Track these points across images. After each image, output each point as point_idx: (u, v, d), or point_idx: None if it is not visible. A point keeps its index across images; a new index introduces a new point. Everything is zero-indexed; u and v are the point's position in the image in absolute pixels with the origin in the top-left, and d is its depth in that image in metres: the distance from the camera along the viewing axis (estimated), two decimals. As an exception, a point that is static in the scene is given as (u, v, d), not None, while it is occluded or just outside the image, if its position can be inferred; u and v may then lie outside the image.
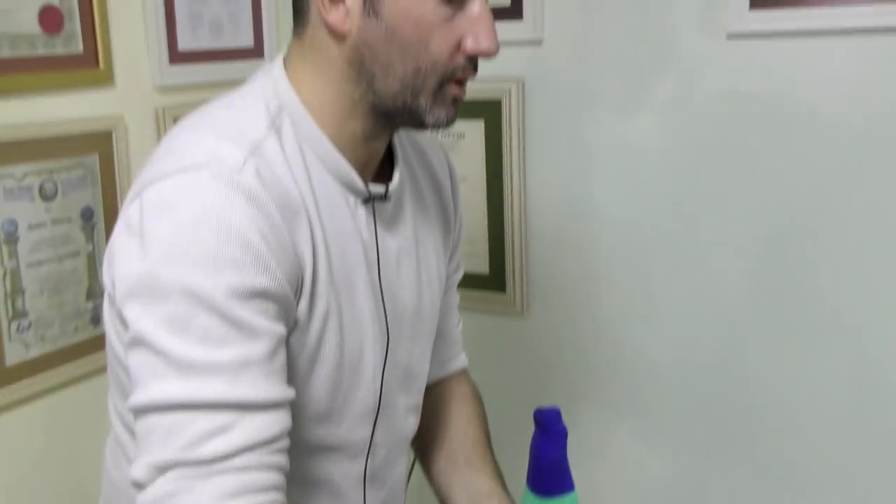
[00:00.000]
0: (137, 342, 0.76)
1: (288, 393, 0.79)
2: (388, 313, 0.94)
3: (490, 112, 1.59)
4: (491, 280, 1.68)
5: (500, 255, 1.66)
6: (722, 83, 1.41)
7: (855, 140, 1.34)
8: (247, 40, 1.64)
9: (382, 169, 0.95)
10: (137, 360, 0.77)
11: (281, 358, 0.80)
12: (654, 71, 1.46)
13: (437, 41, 0.83)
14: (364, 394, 0.93)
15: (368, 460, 0.97)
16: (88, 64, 1.38)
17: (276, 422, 0.78)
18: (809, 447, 1.46)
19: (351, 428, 0.93)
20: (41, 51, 1.32)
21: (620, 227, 1.55)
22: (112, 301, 0.84)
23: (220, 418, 0.74)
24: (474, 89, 1.52)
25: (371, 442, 0.96)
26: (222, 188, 0.77)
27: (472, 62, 0.86)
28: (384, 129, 0.92)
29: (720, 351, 1.51)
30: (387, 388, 0.95)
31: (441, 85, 0.86)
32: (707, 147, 1.44)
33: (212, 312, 0.74)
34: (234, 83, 1.59)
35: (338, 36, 0.85)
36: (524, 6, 1.52)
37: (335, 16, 0.84)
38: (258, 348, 0.77)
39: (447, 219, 1.09)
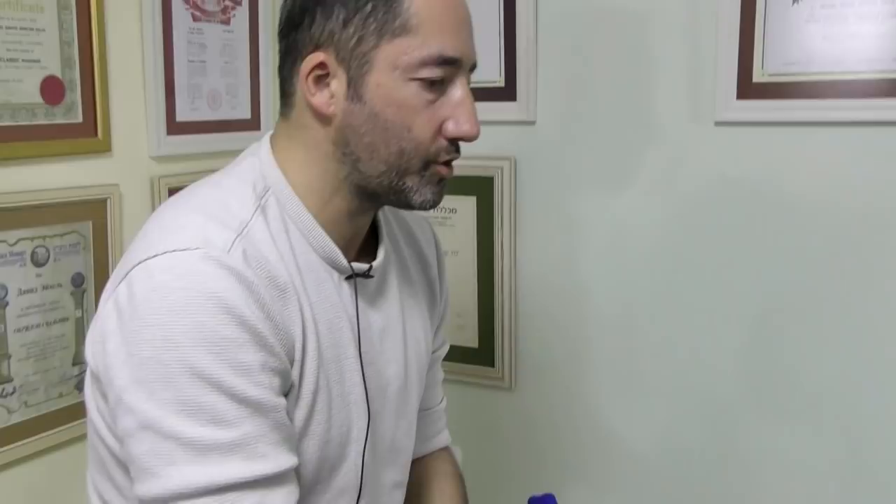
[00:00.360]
0: (144, 428, 0.76)
1: (295, 459, 0.81)
2: (369, 389, 0.94)
3: (482, 189, 1.61)
4: (480, 354, 1.68)
5: (489, 330, 1.66)
6: (709, 168, 1.43)
7: (837, 225, 1.36)
8: (244, 112, 1.67)
9: (367, 244, 0.97)
10: (145, 448, 0.77)
11: (288, 428, 0.82)
12: (644, 154, 1.48)
13: (420, 124, 0.86)
14: (347, 469, 0.93)
15: None
16: (87, 133, 1.40)
17: (291, 492, 0.79)
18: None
19: (332, 502, 0.92)
20: (41, 120, 1.34)
21: (609, 305, 1.56)
22: (96, 380, 0.84)
23: (247, 500, 0.75)
24: (467, 166, 1.58)
25: None
26: (213, 270, 0.78)
27: (455, 144, 0.89)
28: (370, 206, 0.94)
29: (708, 431, 1.50)
30: (370, 464, 0.96)
31: (426, 166, 0.88)
32: (695, 229, 1.46)
33: (219, 392, 0.76)
34: (229, 154, 1.61)
35: (323, 118, 0.87)
36: (518, 87, 1.55)
37: (320, 99, 0.86)
38: (267, 421, 0.78)
39: (433, 294, 1.10)
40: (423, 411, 1.14)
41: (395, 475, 1.02)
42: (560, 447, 1.64)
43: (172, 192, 1.48)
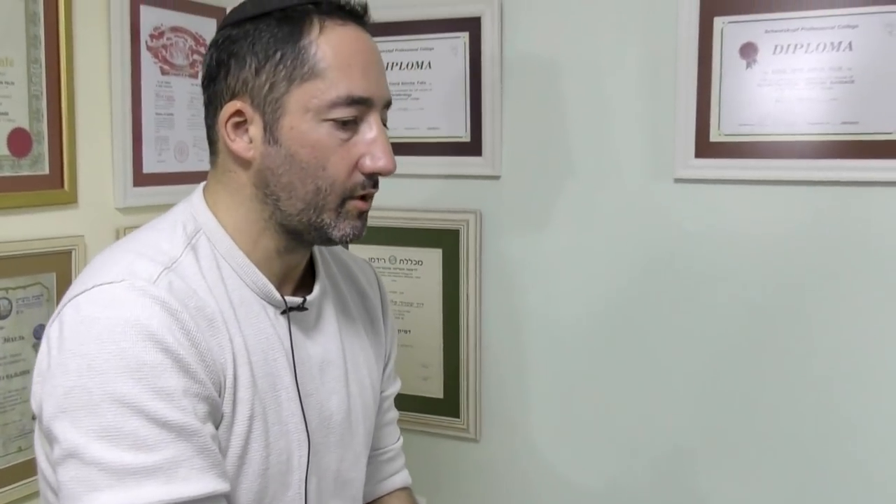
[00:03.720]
0: (68, 456, 0.78)
1: (222, 486, 0.82)
2: (308, 419, 0.97)
3: (448, 241, 1.63)
4: (445, 405, 1.68)
5: (454, 380, 1.67)
6: (669, 223, 1.47)
7: (790, 275, 1.40)
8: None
9: (305, 281, 1.01)
10: (69, 476, 0.78)
11: (214, 454, 0.83)
12: (606, 209, 1.52)
13: (334, 162, 0.90)
14: (291, 498, 0.95)
15: None
16: (53, 185, 1.41)
17: None
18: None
19: None
20: (7, 172, 1.34)
21: (574, 356, 1.58)
22: (39, 421, 0.85)
23: None
24: (434, 219, 1.61)
25: None
26: (137, 298, 0.81)
27: (372, 179, 0.93)
28: (297, 245, 0.97)
29: (669, 481, 1.53)
30: (315, 494, 0.98)
31: (343, 202, 0.92)
32: (656, 282, 1.49)
33: (141, 417, 0.78)
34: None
35: (243, 162, 0.92)
36: (483, 143, 1.58)
37: (240, 144, 0.91)
38: (190, 446, 0.80)
39: (377, 332, 1.13)
40: (379, 451, 1.17)
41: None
42: (526, 498, 1.64)
43: (138, 243, 1.49)
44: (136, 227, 1.49)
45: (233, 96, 0.91)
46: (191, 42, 1.60)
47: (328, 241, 0.94)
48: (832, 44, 1.33)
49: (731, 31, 1.39)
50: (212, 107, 0.94)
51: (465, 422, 1.67)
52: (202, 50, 1.63)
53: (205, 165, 1.67)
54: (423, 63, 1.62)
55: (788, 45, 1.36)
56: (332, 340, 1.02)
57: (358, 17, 0.93)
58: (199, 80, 1.62)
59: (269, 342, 0.93)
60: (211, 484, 0.81)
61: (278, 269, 0.96)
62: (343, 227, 0.93)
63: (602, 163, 1.52)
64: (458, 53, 1.57)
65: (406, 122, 1.64)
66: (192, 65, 1.62)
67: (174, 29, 1.56)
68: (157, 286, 0.83)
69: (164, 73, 1.55)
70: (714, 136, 1.42)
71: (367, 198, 0.94)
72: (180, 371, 0.81)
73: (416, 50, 1.62)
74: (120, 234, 1.50)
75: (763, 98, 1.38)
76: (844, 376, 1.38)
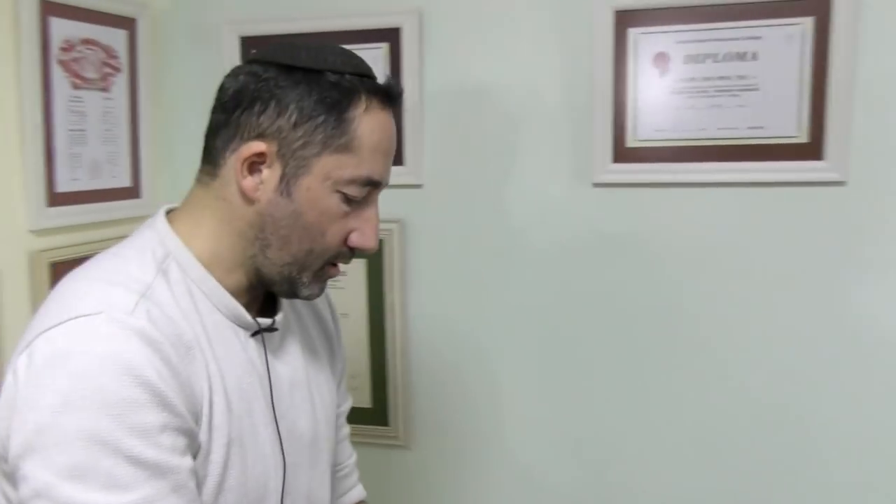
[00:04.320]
0: (36, 496, 0.75)
1: None
2: (283, 440, 0.97)
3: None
4: (374, 413, 1.69)
5: (382, 389, 1.68)
6: (588, 226, 1.53)
7: (705, 273, 1.48)
8: (125, 181, 1.63)
9: (265, 305, 1.01)
10: None
11: (190, 491, 0.81)
12: (527, 214, 1.56)
13: (333, 231, 0.93)
14: None
15: None
16: (-39, 209, 1.34)
17: None
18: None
19: None
20: (-89, 196, 1.26)
21: (499, 360, 1.61)
22: (2, 460, 0.82)
23: None
24: None
25: None
26: (116, 331, 0.79)
27: (353, 252, 0.95)
28: (262, 286, 0.97)
29: (603, 474, 1.58)
30: None
31: (322, 266, 0.95)
32: (576, 284, 1.55)
33: (115, 456, 0.75)
34: (111, 224, 1.57)
35: (247, 200, 0.91)
36: (405, 152, 1.60)
37: (250, 182, 0.90)
38: (165, 484, 0.78)
39: (332, 350, 1.14)
40: (335, 467, 1.17)
41: None
42: (458, 501, 1.67)
43: (55, 267, 1.43)
44: (53, 249, 1.46)
45: (260, 136, 0.90)
46: (102, 55, 1.55)
47: (293, 295, 0.96)
48: (738, 54, 1.42)
49: (644, 41, 1.45)
50: (228, 132, 0.91)
51: (395, 429, 1.68)
52: (114, 63, 1.58)
53: (119, 182, 1.63)
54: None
55: (698, 55, 1.43)
56: (297, 360, 1.03)
57: (395, 103, 0.94)
58: (110, 94, 1.59)
59: (243, 366, 0.92)
60: None
61: (245, 298, 0.96)
62: (313, 288, 0.96)
63: (523, 170, 1.56)
64: (378, 65, 1.58)
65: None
66: (104, 78, 1.56)
67: (85, 41, 1.51)
68: (136, 316, 0.81)
69: (75, 87, 1.49)
70: (630, 143, 1.48)
71: (337, 265, 0.97)
72: (159, 406, 0.79)
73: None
74: (34, 258, 1.43)
75: (676, 105, 1.45)
76: (764, 368, 1.47)
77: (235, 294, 0.94)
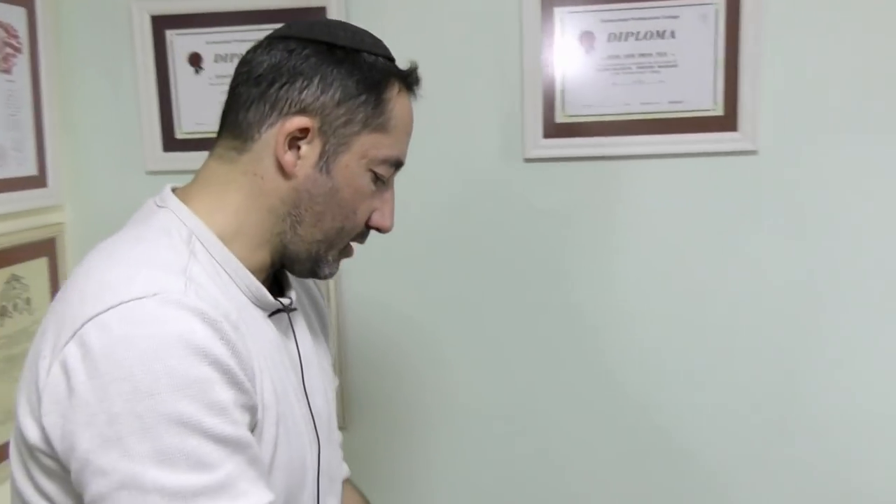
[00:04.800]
0: (121, 488, 0.72)
1: (271, 495, 0.80)
2: (314, 417, 0.97)
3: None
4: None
5: (313, 375, 1.66)
6: (520, 200, 1.57)
7: (629, 240, 1.56)
8: (31, 169, 1.52)
9: (270, 288, 0.99)
10: None
11: (261, 464, 0.81)
12: (460, 190, 1.58)
13: (362, 210, 0.94)
14: (307, 495, 0.94)
15: None
16: None
17: None
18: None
19: None
20: None
21: (434, 337, 1.63)
22: (44, 455, 0.78)
23: None
24: None
25: None
26: (175, 313, 0.76)
27: (368, 231, 0.97)
28: (278, 265, 0.96)
29: (531, 449, 1.63)
30: (322, 490, 0.98)
31: (346, 245, 0.96)
32: (507, 258, 1.59)
33: (198, 436, 0.74)
34: (15, 216, 1.47)
35: (284, 174, 0.90)
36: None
37: (289, 157, 0.89)
38: (245, 458, 0.77)
39: (326, 329, 1.14)
40: None
41: (334, 501, 1.04)
42: (394, 484, 1.68)
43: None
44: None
45: (302, 111, 0.88)
46: (1, 33, 1.44)
47: (314, 274, 0.96)
48: (658, 32, 1.50)
49: (570, 20, 1.50)
50: (265, 106, 0.89)
51: (329, 414, 1.66)
52: (14, 42, 1.47)
53: (25, 170, 1.52)
54: (264, 54, 1.58)
55: (621, 34, 1.50)
56: (307, 339, 1.02)
57: (414, 92, 0.98)
58: (12, 76, 1.47)
59: (272, 345, 0.91)
60: (266, 495, 0.78)
61: (262, 276, 0.94)
62: (332, 267, 0.97)
63: (455, 147, 1.58)
64: (303, 44, 1.56)
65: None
66: (5, 58, 1.45)
67: (-15, 19, 1.40)
68: (189, 296, 0.78)
69: (-23, 68, 1.38)
70: (559, 118, 1.53)
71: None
72: (229, 383, 0.77)
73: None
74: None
75: (601, 81, 1.52)
76: (686, 328, 1.57)
77: (255, 274, 0.91)
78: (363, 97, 0.90)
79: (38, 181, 1.55)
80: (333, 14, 1.54)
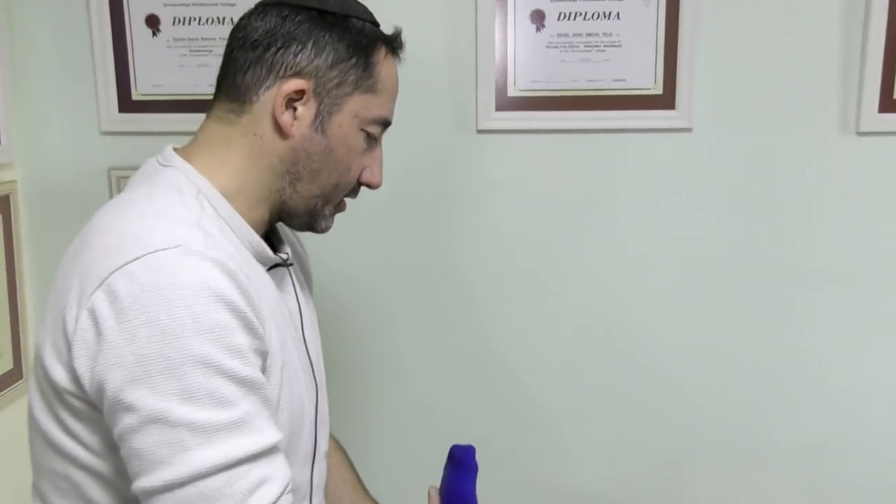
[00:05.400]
0: (149, 422, 0.78)
1: (280, 434, 0.86)
2: (313, 364, 1.05)
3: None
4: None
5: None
6: (473, 169, 1.65)
7: (574, 211, 1.66)
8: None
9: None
10: (153, 440, 0.78)
11: (271, 404, 0.88)
12: (414, 160, 1.65)
13: (355, 167, 1.01)
14: (306, 437, 1.01)
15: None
16: None
17: (284, 461, 0.85)
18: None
19: (298, 471, 0.99)
20: None
21: (389, 302, 1.70)
22: (71, 397, 0.84)
23: (254, 473, 0.81)
24: None
25: (311, 485, 1.04)
26: (197, 262, 0.82)
27: (359, 188, 1.05)
28: (277, 221, 1.03)
29: (489, 394, 1.73)
30: (318, 433, 1.05)
31: (341, 200, 1.03)
32: (459, 226, 1.66)
33: (220, 376, 0.80)
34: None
35: (281, 134, 0.95)
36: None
37: (286, 118, 0.94)
38: (259, 398, 0.84)
39: (310, 284, 1.21)
40: None
41: (325, 445, 1.10)
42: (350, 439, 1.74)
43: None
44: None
45: (297, 74, 0.94)
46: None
47: (311, 228, 1.03)
48: (604, 13, 1.58)
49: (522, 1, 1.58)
50: (261, 70, 0.94)
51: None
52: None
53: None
54: (223, 19, 1.60)
55: (570, 13, 1.59)
56: (300, 293, 1.08)
57: (399, 55, 1.05)
58: None
59: (272, 297, 0.96)
60: (276, 433, 0.84)
61: (260, 232, 1.00)
62: (328, 221, 1.04)
63: (409, 118, 1.63)
64: (263, 10, 1.59)
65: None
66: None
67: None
68: (208, 248, 0.83)
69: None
70: (511, 92, 1.61)
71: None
72: (245, 329, 0.83)
73: (216, 5, 1.60)
74: None
75: (551, 58, 1.60)
76: (628, 292, 1.68)
77: (255, 229, 0.97)
78: (353, 60, 0.96)
79: (-9, 144, 1.54)
80: (294, -18, 1.58)
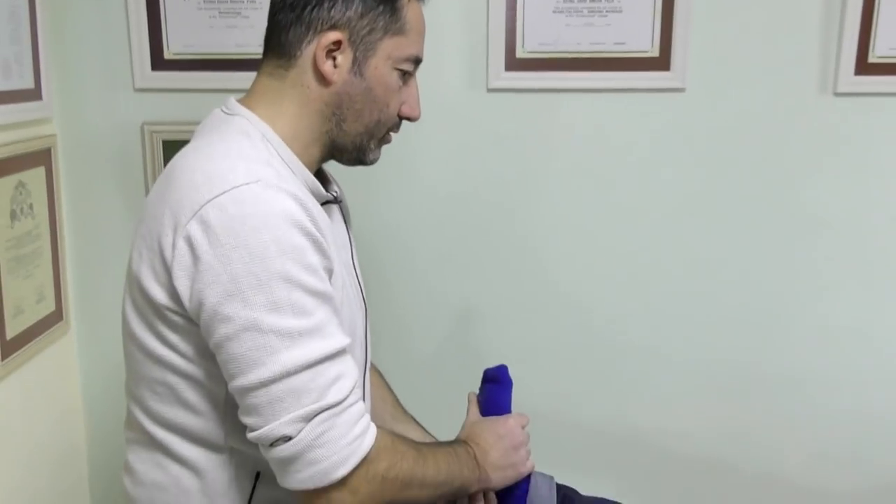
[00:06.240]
0: (243, 330, 0.92)
1: (348, 339, 0.99)
2: (361, 288, 1.18)
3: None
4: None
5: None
6: (484, 128, 1.77)
7: (581, 163, 1.79)
8: (28, 82, 1.61)
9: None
10: (246, 347, 0.92)
11: (339, 313, 1.01)
12: (427, 116, 1.76)
13: (394, 103, 1.13)
14: (359, 352, 1.14)
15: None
16: None
17: (351, 361, 0.99)
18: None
19: None
20: None
21: (399, 257, 1.83)
22: (170, 312, 0.97)
23: (331, 370, 0.95)
24: None
25: (364, 391, 1.16)
26: (275, 194, 0.95)
27: (401, 121, 1.16)
28: (328, 158, 1.15)
29: (476, 337, 1.87)
30: (368, 348, 1.19)
31: (385, 134, 1.15)
32: (473, 181, 1.79)
33: (300, 289, 0.93)
34: (16, 125, 1.56)
35: (325, 82, 1.07)
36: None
37: (328, 67, 1.07)
38: (330, 308, 0.97)
39: (350, 223, 1.32)
40: None
41: (367, 363, 1.24)
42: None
43: None
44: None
45: (333, 27, 1.05)
46: (7, -50, 1.51)
47: (361, 161, 1.15)
48: (607, -19, 1.72)
49: (529, -34, 1.70)
50: (301, 27, 1.06)
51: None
52: (16, -41, 1.55)
53: (24, 83, 1.60)
54: None
55: (576, -19, 1.71)
56: (348, 226, 1.22)
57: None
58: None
59: (329, 228, 1.08)
60: (344, 338, 0.98)
61: (312, 171, 1.12)
62: (376, 153, 1.16)
63: (425, 77, 1.72)
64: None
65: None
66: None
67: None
68: (281, 182, 0.96)
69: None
70: (519, 53, 1.73)
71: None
72: (317, 250, 0.96)
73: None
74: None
75: (557, 22, 1.72)
76: (635, 241, 1.82)
77: (308, 169, 1.09)
78: (381, 7, 1.07)
79: (34, 94, 1.63)
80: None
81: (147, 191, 1.76)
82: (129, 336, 1.06)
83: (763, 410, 1.89)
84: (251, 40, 1.72)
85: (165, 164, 1.72)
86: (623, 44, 1.74)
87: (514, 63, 1.74)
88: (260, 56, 1.68)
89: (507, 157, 1.79)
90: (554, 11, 1.72)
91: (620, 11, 1.73)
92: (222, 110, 1.09)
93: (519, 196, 1.81)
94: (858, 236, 1.81)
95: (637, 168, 1.79)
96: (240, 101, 1.11)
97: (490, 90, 1.76)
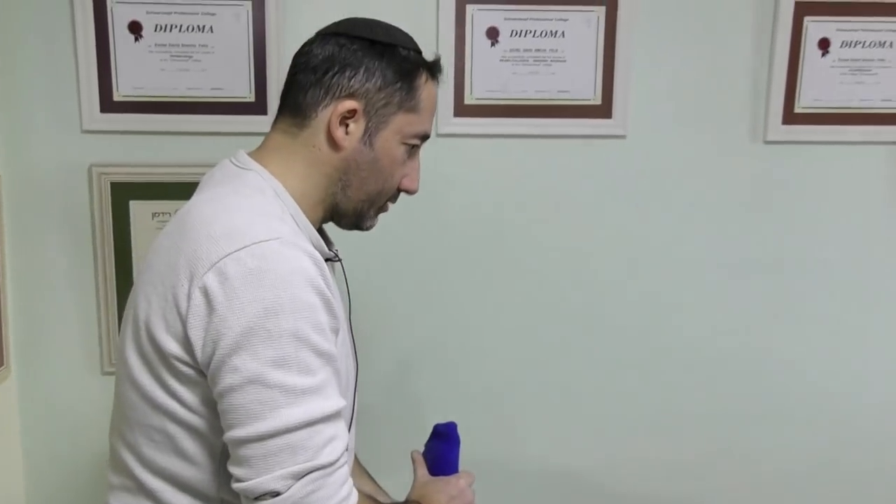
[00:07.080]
0: (248, 383, 0.93)
1: (344, 401, 1.01)
2: (355, 345, 1.21)
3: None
4: None
5: None
6: (433, 170, 1.80)
7: (524, 206, 1.85)
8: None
9: None
10: (249, 398, 0.93)
11: (339, 375, 1.03)
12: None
13: (396, 176, 1.16)
14: (348, 408, 1.15)
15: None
16: None
17: (345, 426, 1.01)
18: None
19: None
20: None
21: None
22: (178, 362, 0.98)
23: (326, 431, 0.96)
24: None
25: (351, 448, 1.18)
26: (293, 252, 0.97)
27: (399, 193, 1.20)
28: (327, 221, 1.18)
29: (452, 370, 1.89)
30: (355, 407, 1.20)
31: (384, 203, 1.18)
32: (421, 223, 1.83)
33: (308, 348, 0.95)
34: None
35: (335, 146, 1.11)
36: (269, 102, 1.75)
37: (340, 133, 1.10)
38: (332, 370, 0.99)
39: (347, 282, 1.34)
40: None
41: (354, 419, 1.25)
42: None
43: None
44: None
45: (351, 95, 1.08)
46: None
47: (358, 227, 1.18)
48: (552, 32, 1.78)
49: (479, 16, 1.76)
50: (320, 91, 1.09)
51: None
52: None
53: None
54: (204, 27, 1.72)
55: (522, 31, 1.78)
56: (346, 288, 1.24)
57: (438, 79, 1.18)
58: None
59: (335, 286, 1.10)
60: (341, 400, 1.00)
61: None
62: (374, 220, 1.19)
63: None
64: (241, 20, 1.72)
65: (192, 81, 1.73)
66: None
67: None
68: (298, 241, 0.99)
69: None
70: (468, 100, 1.79)
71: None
72: (326, 309, 0.98)
73: (197, 14, 1.72)
74: None
75: (504, 70, 1.79)
76: (577, 279, 1.87)
77: (313, 227, 1.12)
78: (399, 84, 1.11)
79: (-21, 135, 1.61)
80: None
81: (95, 233, 1.74)
82: (129, 382, 1.05)
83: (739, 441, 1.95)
84: (202, 83, 1.73)
85: (113, 206, 1.74)
86: (567, 92, 1.81)
87: (463, 109, 1.79)
88: (211, 100, 1.69)
89: (456, 200, 1.83)
90: (501, 60, 1.79)
91: (564, 61, 1.80)
92: (233, 163, 1.11)
93: (466, 237, 1.85)
94: (790, 277, 1.90)
95: (581, 210, 1.86)
96: (251, 154, 1.12)
97: (439, 135, 1.80)
